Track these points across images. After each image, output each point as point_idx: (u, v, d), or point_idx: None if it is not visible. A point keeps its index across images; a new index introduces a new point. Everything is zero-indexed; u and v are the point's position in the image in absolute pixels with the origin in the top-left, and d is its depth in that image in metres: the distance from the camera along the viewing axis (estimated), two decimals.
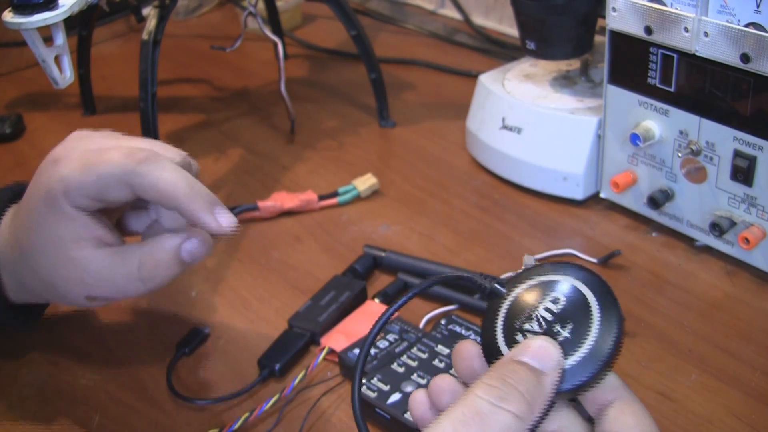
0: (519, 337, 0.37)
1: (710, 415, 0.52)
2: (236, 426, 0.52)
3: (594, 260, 0.66)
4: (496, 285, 0.40)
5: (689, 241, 0.67)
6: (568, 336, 0.36)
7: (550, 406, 0.35)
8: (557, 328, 0.37)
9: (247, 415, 0.52)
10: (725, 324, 0.59)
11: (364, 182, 0.76)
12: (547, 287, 0.38)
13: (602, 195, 0.73)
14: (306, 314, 0.61)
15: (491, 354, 0.38)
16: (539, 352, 0.35)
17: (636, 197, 0.70)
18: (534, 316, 0.37)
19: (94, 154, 0.48)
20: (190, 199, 0.46)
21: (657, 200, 0.67)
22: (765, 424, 0.51)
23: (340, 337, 0.58)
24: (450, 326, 0.57)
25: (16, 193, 0.55)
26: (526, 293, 0.39)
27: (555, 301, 0.38)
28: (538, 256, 0.66)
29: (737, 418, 0.52)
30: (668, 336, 0.58)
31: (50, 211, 0.48)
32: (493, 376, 0.34)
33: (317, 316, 0.60)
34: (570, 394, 0.36)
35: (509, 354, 0.35)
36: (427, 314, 0.61)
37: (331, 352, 0.57)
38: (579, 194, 0.73)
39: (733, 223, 0.63)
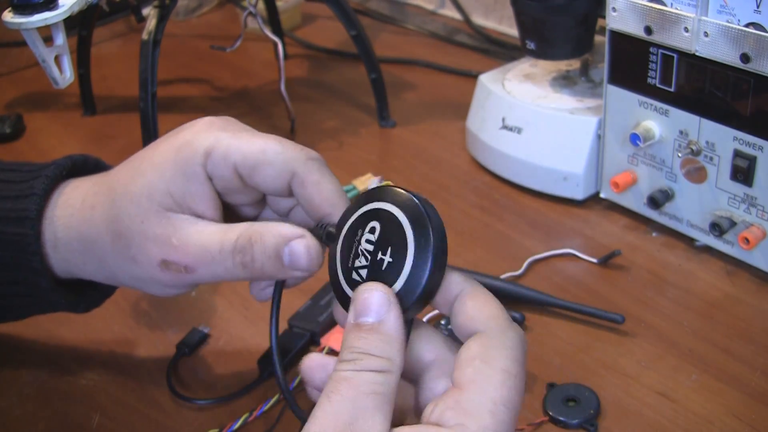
0: (355, 276, 0.38)
1: (710, 415, 0.52)
2: (236, 426, 0.52)
3: (594, 260, 0.66)
4: (329, 229, 0.41)
5: (689, 241, 0.67)
6: (391, 260, 0.36)
7: (409, 329, 0.37)
8: (380, 256, 0.37)
9: (247, 415, 0.52)
10: (725, 324, 0.59)
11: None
12: (364, 218, 0.38)
13: (602, 195, 0.73)
14: (306, 314, 0.61)
15: (343, 300, 0.39)
16: (365, 306, 0.36)
17: (636, 197, 0.70)
18: (360, 251, 0.38)
19: (257, 134, 0.45)
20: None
21: (657, 200, 0.67)
22: (765, 424, 0.51)
23: (340, 337, 0.58)
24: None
25: (77, 165, 0.51)
26: (349, 230, 0.39)
27: (372, 230, 0.38)
28: (538, 257, 0.66)
29: (737, 418, 0.52)
30: (668, 336, 0.58)
31: (174, 161, 0.44)
32: (344, 348, 0.35)
33: (317, 316, 0.60)
34: (414, 311, 0.37)
35: (348, 320, 0.36)
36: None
37: (331, 352, 0.57)
38: (579, 194, 0.73)
39: (733, 223, 0.63)
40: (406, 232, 0.37)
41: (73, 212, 0.48)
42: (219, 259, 0.43)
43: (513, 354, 0.35)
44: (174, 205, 0.44)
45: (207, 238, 0.44)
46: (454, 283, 0.37)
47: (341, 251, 0.39)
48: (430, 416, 0.34)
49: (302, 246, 0.42)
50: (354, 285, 0.37)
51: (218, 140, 0.44)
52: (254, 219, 0.48)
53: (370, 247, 0.37)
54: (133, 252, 0.45)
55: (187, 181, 0.44)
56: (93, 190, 0.48)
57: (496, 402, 0.33)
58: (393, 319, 0.35)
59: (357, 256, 0.38)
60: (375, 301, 0.36)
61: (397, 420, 0.37)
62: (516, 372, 0.34)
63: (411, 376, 0.39)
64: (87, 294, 0.53)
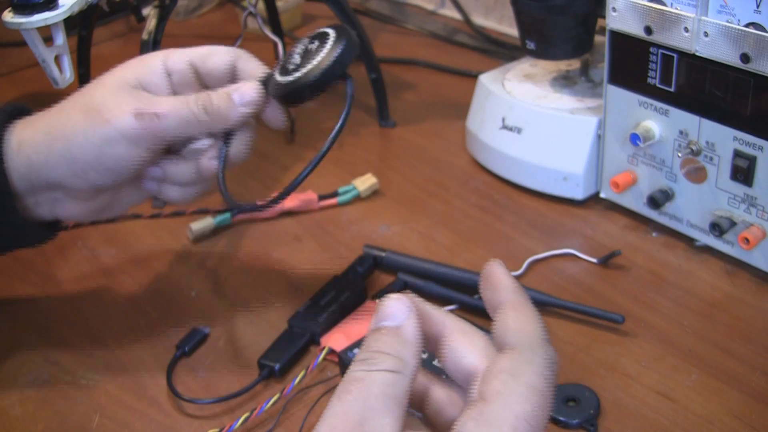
0: (289, 66, 0.53)
1: (710, 415, 0.52)
2: (236, 426, 0.52)
3: (594, 260, 0.66)
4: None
5: (689, 241, 0.67)
6: (316, 47, 0.52)
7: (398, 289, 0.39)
8: (309, 47, 0.53)
9: (247, 415, 0.52)
10: (725, 324, 0.59)
11: (364, 182, 0.76)
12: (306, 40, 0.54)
13: (602, 195, 0.73)
14: (306, 314, 0.61)
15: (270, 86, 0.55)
16: (387, 312, 0.37)
17: (636, 197, 0.70)
18: (296, 53, 0.53)
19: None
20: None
21: (657, 200, 0.67)
22: (765, 424, 0.51)
23: (340, 337, 0.58)
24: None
25: (18, 109, 0.57)
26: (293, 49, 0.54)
27: (305, 45, 0.53)
28: (538, 257, 0.67)
29: (737, 418, 0.52)
30: (668, 336, 0.59)
31: (140, 60, 0.55)
32: (361, 350, 0.36)
33: (317, 316, 0.60)
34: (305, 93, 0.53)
35: (369, 327, 0.38)
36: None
37: (331, 352, 0.57)
38: (579, 194, 0.73)
39: (733, 223, 0.63)
40: (330, 36, 0.52)
41: (40, 117, 0.55)
42: (185, 104, 0.53)
43: (542, 371, 0.35)
44: (140, 88, 0.54)
45: (174, 99, 0.54)
46: (503, 289, 0.38)
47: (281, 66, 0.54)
48: (453, 426, 0.34)
49: (246, 86, 0.54)
50: (285, 72, 0.53)
51: (173, 50, 0.56)
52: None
53: (303, 48, 0.53)
54: (106, 115, 0.52)
55: (151, 74, 0.54)
56: (60, 105, 0.55)
57: (519, 417, 0.33)
58: (412, 325, 0.36)
59: (292, 56, 0.53)
60: (396, 307, 0.37)
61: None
62: (543, 390, 0.34)
63: (461, 383, 0.39)
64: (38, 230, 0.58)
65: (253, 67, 0.56)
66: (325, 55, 0.51)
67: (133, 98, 0.53)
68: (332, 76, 0.52)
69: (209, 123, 0.54)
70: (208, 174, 0.56)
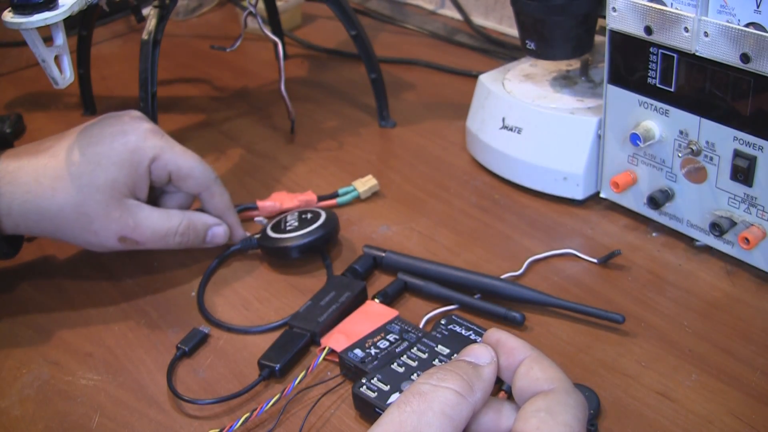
0: (288, 226, 0.68)
1: (710, 415, 0.52)
2: (236, 426, 0.52)
3: (594, 260, 0.66)
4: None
5: (689, 241, 0.67)
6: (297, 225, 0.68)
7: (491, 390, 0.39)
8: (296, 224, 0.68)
9: (247, 415, 0.52)
10: (725, 324, 0.59)
11: (365, 183, 0.76)
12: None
13: (602, 195, 0.73)
14: (306, 314, 0.61)
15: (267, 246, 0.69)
16: (473, 352, 0.39)
17: (636, 197, 0.70)
18: (286, 222, 0.69)
19: (185, 150, 0.66)
20: (233, 213, 0.69)
21: (657, 200, 0.67)
22: (765, 424, 0.51)
23: (340, 337, 0.58)
24: (450, 326, 0.57)
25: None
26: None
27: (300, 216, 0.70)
28: (538, 257, 0.67)
29: (737, 418, 0.52)
30: (668, 336, 0.59)
31: (131, 162, 0.62)
32: (435, 368, 0.38)
33: (317, 316, 0.60)
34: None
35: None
36: (427, 314, 0.61)
37: (331, 352, 0.57)
38: (579, 194, 0.73)
39: (733, 223, 0.63)
40: (321, 216, 0.69)
41: (29, 189, 0.61)
42: (165, 239, 0.64)
43: (575, 412, 0.36)
44: (128, 193, 0.62)
45: (155, 223, 0.63)
46: (518, 349, 0.40)
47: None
48: None
49: (219, 229, 0.67)
50: (278, 230, 0.68)
51: (162, 150, 0.63)
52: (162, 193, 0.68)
53: (299, 218, 0.69)
54: (95, 227, 0.62)
55: (138, 178, 0.63)
56: (46, 173, 0.61)
57: None
58: (491, 369, 0.39)
59: (287, 221, 0.69)
60: (481, 350, 0.39)
61: None
62: (577, 429, 0.36)
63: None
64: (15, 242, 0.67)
65: (218, 196, 0.67)
66: (316, 227, 0.67)
67: (121, 216, 0.62)
68: (315, 246, 0.67)
69: (179, 247, 0.66)
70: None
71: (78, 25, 0.90)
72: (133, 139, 0.62)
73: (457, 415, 0.35)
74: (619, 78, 0.67)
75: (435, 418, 0.35)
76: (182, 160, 0.64)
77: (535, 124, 0.73)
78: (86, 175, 0.61)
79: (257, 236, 0.68)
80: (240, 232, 0.69)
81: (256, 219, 0.74)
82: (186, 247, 0.66)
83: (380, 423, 0.35)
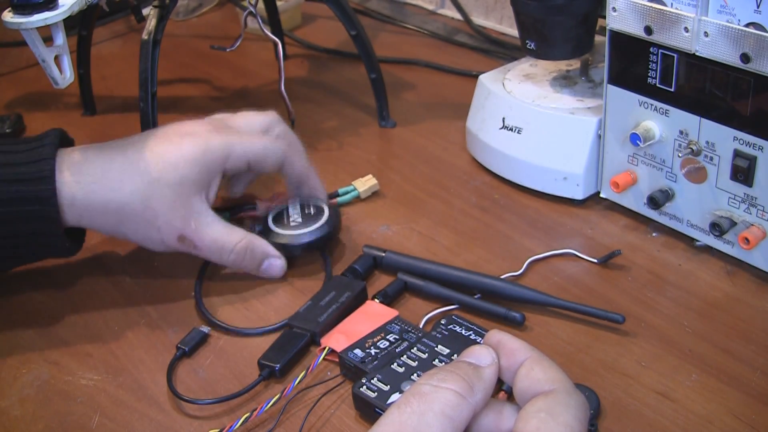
0: (292, 222, 0.68)
1: (710, 415, 0.52)
2: (236, 426, 0.52)
3: (594, 260, 0.66)
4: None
5: (689, 241, 0.67)
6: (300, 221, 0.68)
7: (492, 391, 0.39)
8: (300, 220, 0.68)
9: (247, 415, 0.52)
10: (725, 324, 0.59)
11: (365, 183, 0.76)
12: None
13: (602, 195, 0.73)
14: (306, 314, 0.61)
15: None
16: (474, 353, 0.39)
17: (636, 197, 0.70)
18: (290, 215, 0.69)
19: (252, 134, 0.66)
20: (314, 176, 0.70)
21: (657, 200, 0.67)
22: (765, 424, 0.51)
23: (340, 337, 0.58)
24: (450, 326, 0.57)
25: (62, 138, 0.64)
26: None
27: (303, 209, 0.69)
28: (538, 257, 0.67)
29: (737, 418, 0.52)
30: (668, 336, 0.59)
31: (203, 162, 0.62)
32: (436, 369, 0.38)
33: (317, 316, 0.60)
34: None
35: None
36: (427, 314, 0.61)
37: (332, 352, 0.57)
38: (579, 194, 0.73)
39: (733, 223, 0.63)
40: (324, 212, 0.68)
41: (95, 180, 0.61)
42: (221, 253, 0.64)
43: (576, 413, 0.36)
44: (196, 192, 0.62)
45: (216, 232, 0.63)
46: (519, 350, 0.40)
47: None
48: None
49: (277, 262, 0.66)
50: (281, 224, 0.68)
51: (231, 145, 0.63)
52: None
53: (301, 212, 0.69)
54: (159, 222, 0.61)
55: (209, 176, 0.63)
56: (113, 167, 0.61)
57: None
58: (492, 370, 0.39)
59: (291, 214, 0.69)
60: (482, 352, 0.39)
61: None
62: (578, 430, 0.36)
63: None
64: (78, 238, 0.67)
65: (297, 163, 0.67)
66: (320, 225, 0.67)
67: (185, 215, 0.62)
68: (319, 245, 0.67)
69: (233, 265, 0.65)
70: None
71: (78, 25, 0.90)
72: (202, 140, 0.62)
73: (457, 416, 0.35)
74: (619, 78, 0.67)
75: (435, 418, 0.35)
76: (253, 147, 0.64)
77: (535, 124, 0.73)
78: (156, 171, 0.61)
79: (259, 229, 0.68)
80: (323, 194, 0.69)
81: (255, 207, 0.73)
82: (240, 267, 0.65)
83: (380, 423, 0.35)
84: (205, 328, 0.61)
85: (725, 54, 0.58)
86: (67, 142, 0.66)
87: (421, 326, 0.60)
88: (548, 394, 0.37)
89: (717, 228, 0.63)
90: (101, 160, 0.61)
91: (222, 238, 0.63)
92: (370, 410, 0.52)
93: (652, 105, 0.65)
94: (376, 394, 0.51)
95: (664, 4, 0.61)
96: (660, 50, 0.62)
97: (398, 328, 0.58)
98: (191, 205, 0.62)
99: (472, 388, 0.37)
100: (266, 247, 0.65)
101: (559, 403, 0.37)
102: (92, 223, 0.62)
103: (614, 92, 0.67)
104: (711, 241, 0.65)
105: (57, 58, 0.66)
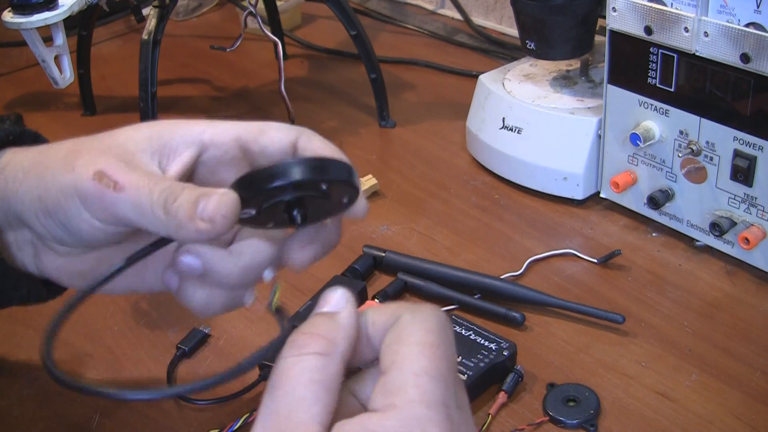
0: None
1: (710, 415, 0.52)
2: (236, 426, 0.52)
3: (594, 260, 0.66)
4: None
5: (689, 241, 0.67)
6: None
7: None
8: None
9: (247, 415, 0.52)
10: (725, 324, 0.59)
11: (365, 183, 0.76)
12: None
13: (602, 195, 0.73)
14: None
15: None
16: (326, 300, 0.37)
17: (636, 197, 0.70)
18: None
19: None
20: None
21: (657, 200, 0.67)
22: (765, 424, 0.51)
23: None
24: None
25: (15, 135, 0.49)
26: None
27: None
28: (538, 257, 0.66)
29: (737, 418, 0.52)
30: (668, 336, 0.58)
31: (175, 123, 0.45)
32: (295, 333, 0.35)
33: None
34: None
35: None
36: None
37: None
38: (579, 194, 0.73)
39: (733, 223, 0.63)
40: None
41: (28, 151, 0.46)
42: (148, 186, 0.41)
43: (426, 326, 0.34)
44: (141, 151, 0.43)
45: (150, 171, 0.42)
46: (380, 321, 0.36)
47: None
48: (367, 405, 0.34)
49: (216, 196, 0.40)
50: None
51: (217, 123, 0.45)
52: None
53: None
54: (77, 162, 0.43)
55: (180, 141, 0.44)
56: (46, 152, 0.46)
57: (418, 374, 0.33)
58: (347, 312, 0.36)
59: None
60: (335, 295, 0.37)
61: None
62: (432, 341, 0.34)
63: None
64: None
65: (317, 146, 0.47)
66: None
67: (120, 159, 0.42)
68: None
69: (164, 225, 0.41)
70: (168, 286, 0.46)
71: (78, 25, 0.90)
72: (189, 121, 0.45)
73: (326, 378, 0.33)
74: (619, 78, 0.67)
75: (307, 389, 0.33)
76: (250, 123, 0.46)
77: (535, 124, 0.73)
78: (130, 126, 0.45)
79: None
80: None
81: None
82: (168, 216, 0.41)
83: (259, 415, 0.33)
84: (206, 328, 0.61)
85: (725, 54, 0.58)
86: (25, 138, 0.50)
87: None
88: (394, 324, 0.35)
89: (717, 228, 0.63)
90: (33, 153, 0.46)
91: (152, 180, 0.41)
92: None
93: (652, 105, 0.65)
94: None
95: (664, 4, 0.61)
96: (660, 50, 0.62)
97: None
98: (134, 158, 0.43)
99: (334, 341, 0.34)
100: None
101: (404, 326, 0.34)
102: (14, 199, 0.45)
103: (614, 92, 0.67)
104: (711, 241, 0.65)
105: (57, 58, 0.66)
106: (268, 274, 0.48)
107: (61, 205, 0.43)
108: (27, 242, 0.48)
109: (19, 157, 0.47)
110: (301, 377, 0.33)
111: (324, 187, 0.40)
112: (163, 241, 0.43)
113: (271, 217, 0.42)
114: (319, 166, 0.40)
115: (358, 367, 0.36)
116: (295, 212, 0.41)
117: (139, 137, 0.44)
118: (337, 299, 0.37)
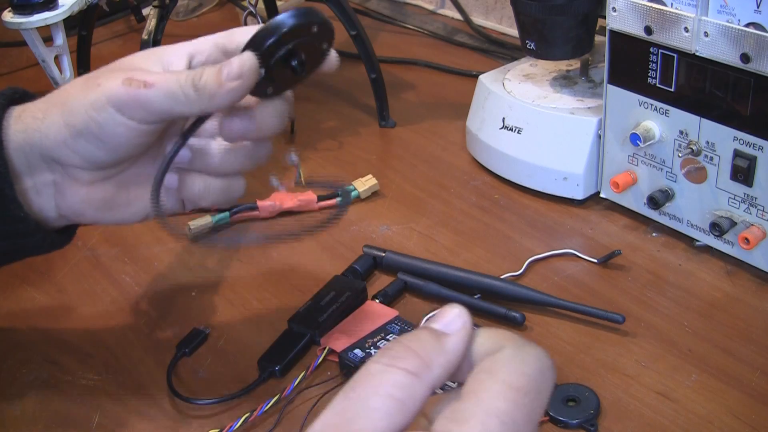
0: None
1: (710, 415, 0.52)
2: (236, 426, 0.52)
3: (594, 260, 0.66)
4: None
5: (689, 241, 0.67)
6: None
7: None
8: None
9: (247, 415, 0.52)
10: (725, 324, 0.59)
11: (365, 183, 0.76)
12: None
13: (602, 195, 0.73)
14: (306, 314, 0.61)
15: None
16: (445, 318, 0.34)
17: (636, 197, 0.70)
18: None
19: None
20: None
21: (657, 200, 0.67)
22: (765, 424, 0.51)
23: (340, 337, 0.58)
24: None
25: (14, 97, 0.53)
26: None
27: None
28: (538, 257, 0.66)
29: (737, 418, 0.52)
30: (668, 336, 0.59)
31: (164, 47, 0.53)
32: (395, 341, 0.33)
33: (317, 316, 0.60)
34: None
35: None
36: (427, 314, 0.61)
37: (332, 352, 0.57)
38: (579, 194, 0.73)
39: (733, 223, 0.63)
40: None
41: (39, 100, 0.52)
42: (174, 77, 0.48)
43: (522, 369, 0.32)
44: (152, 63, 0.51)
45: (172, 69, 0.51)
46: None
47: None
48: (433, 427, 0.32)
49: (236, 58, 0.47)
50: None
51: (197, 39, 0.52)
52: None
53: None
54: (100, 80, 0.49)
55: (173, 55, 0.51)
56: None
57: (490, 413, 0.30)
58: (458, 338, 0.33)
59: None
60: (451, 314, 0.34)
61: None
62: (521, 386, 0.31)
63: None
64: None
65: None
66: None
67: (137, 69, 0.50)
68: None
69: (197, 101, 0.48)
70: (216, 163, 0.54)
71: (78, 25, 0.90)
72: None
73: (408, 398, 0.31)
74: (619, 78, 0.67)
75: (381, 401, 0.30)
76: (223, 32, 0.53)
77: (535, 124, 0.73)
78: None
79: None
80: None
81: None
82: (204, 95, 0.48)
83: (327, 410, 0.32)
84: (206, 329, 0.61)
85: (725, 54, 0.58)
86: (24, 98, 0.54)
87: (421, 326, 0.60)
88: (494, 354, 0.33)
89: (717, 228, 0.63)
90: (44, 98, 0.52)
91: (174, 72, 0.50)
92: None
93: (652, 105, 0.65)
94: None
95: (664, 4, 0.61)
96: (660, 50, 0.62)
97: (398, 328, 0.58)
98: (142, 66, 0.51)
99: (430, 364, 0.32)
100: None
101: (501, 360, 0.32)
102: (38, 136, 0.50)
103: (614, 92, 0.67)
104: (711, 241, 0.65)
105: (57, 58, 0.66)
106: (294, 158, 0.59)
107: (93, 119, 0.49)
108: (47, 184, 0.52)
109: (31, 106, 0.51)
110: (381, 388, 0.31)
111: (315, 29, 0.46)
112: (201, 120, 0.49)
113: (274, 78, 0.48)
114: (305, 11, 0.46)
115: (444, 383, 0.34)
116: (294, 62, 0.47)
117: (140, 57, 0.52)
118: (452, 319, 0.34)
